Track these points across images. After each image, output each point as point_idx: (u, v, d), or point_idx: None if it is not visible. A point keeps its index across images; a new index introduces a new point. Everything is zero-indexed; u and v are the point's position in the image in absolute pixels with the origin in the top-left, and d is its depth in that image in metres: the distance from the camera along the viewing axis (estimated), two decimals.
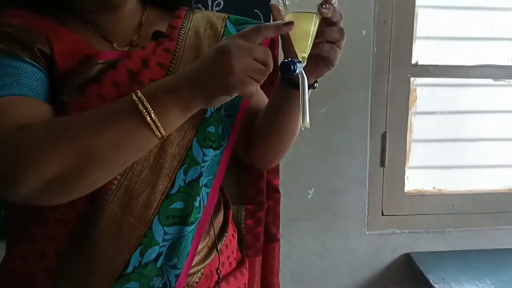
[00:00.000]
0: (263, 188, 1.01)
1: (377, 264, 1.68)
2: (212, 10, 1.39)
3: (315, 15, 0.71)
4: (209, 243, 0.87)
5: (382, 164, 1.62)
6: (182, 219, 0.77)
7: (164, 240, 0.76)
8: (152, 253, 0.75)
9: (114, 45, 0.81)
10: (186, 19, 0.87)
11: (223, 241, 0.90)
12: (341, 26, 0.74)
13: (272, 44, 0.94)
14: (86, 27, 0.80)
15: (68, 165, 0.62)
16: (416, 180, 1.69)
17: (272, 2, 0.74)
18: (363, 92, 1.55)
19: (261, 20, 1.36)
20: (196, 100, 0.66)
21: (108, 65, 0.75)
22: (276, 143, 0.89)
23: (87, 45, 0.78)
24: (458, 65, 1.62)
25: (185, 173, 0.78)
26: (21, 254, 0.75)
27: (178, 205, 0.77)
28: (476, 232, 1.70)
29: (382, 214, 1.66)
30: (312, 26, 0.71)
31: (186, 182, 0.78)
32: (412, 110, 1.63)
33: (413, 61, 1.60)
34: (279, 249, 1.08)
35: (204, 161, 0.80)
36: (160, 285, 0.76)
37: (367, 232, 1.65)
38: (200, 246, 0.83)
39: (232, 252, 0.93)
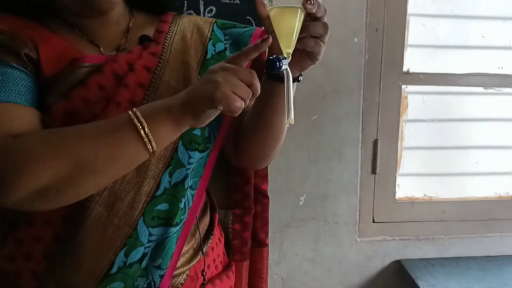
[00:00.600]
0: (250, 193, 1.02)
1: (368, 271, 1.69)
2: (204, 16, 1.41)
3: (299, 10, 0.72)
4: (195, 245, 0.88)
5: (374, 171, 1.64)
6: (167, 221, 0.78)
7: (149, 241, 0.77)
8: (137, 253, 0.76)
9: (101, 49, 0.82)
10: (173, 23, 0.88)
11: (209, 243, 0.91)
12: (325, 21, 0.75)
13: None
14: (73, 32, 0.81)
15: (61, 174, 0.64)
16: (407, 188, 1.70)
17: None
18: (355, 99, 1.57)
19: (252, 26, 1.39)
20: (186, 116, 0.68)
21: (94, 69, 0.77)
22: (265, 140, 0.89)
23: (74, 49, 0.79)
24: (449, 73, 1.64)
25: (171, 175, 0.79)
26: (8, 254, 0.76)
27: (163, 206, 0.78)
28: (466, 239, 1.71)
29: (373, 221, 1.67)
30: (297, 21, 0.73)
31: (171, 184, 0.79)
32: (403, 117, 1.65)
33: (405, 69, 1.62)
34: (268, 254, 1.08)
35: (189, 163, 0.81)
36: (145, 286, 0.77)
37: (358, 239, 1.67)
38: (185, 248, 0.84)
39: (218, 255, 0.94)
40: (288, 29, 0.73)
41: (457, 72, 1.65)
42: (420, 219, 1.69)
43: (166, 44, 0.84)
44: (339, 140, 1.59)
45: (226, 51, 0.91)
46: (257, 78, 0.68)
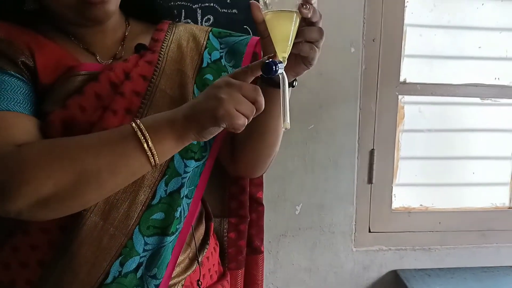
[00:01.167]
0: (246, 201, 1.03)
1: (364, 281, 1.69)
2: (202, 25, 1.43)
3: (295, 14, 0.72)
4: (190, 255, 0.88)
5: (370, 180, 1.65)
6: (163, 230, 0.78)
7: (144, 250, 0.77)
8: (132, 263, 0.76)
9: (97, 57, 0.83)
10: (168, 32, 0.89)
11: (204, 253, 0.91)
12: (321, 26, 0.75)
13: (255, 56, 0.95)
14: (69, 40, 0.82)
15: (63, 185, 0.65)
16: (403, 197, 1.71)
17: (252, 0, 0.75)
18: (352, 109, 1.59)
19: (250, 35, 1.41)
20: (189, 131, 0.69)
21: (90, 77, 0.77)
22: (261, 146, 0.90)
23: (70, 56, 0.79)
24: (445, 83, 1.66)
25: (166, 184, 0.79)
26: (4, 262, 0.76)
27: (159, 215, 0.78)
28: (463, 249, 1.72)
29: (369, 231, 1.68)
30: (293, 26, 0.73)
31: (167, 193, 0.79)
32: (400, 127, 1.67)
33: (401, 79, 1.64)
34: (263, 261, 1.09)
35: (185, 172, 0.81)
36: None
37: (354, 249, 1.68)
38: (181, 258, 0.84)
39: (214, 265, 0.94)
40: (284, 34, 0.73)
41: (454, 83, 1.67)
42: (416, 229, 1.70)
43: (162, 52, 0.85)
44: (335, 149, 1.60)
45: (221, 60, 0.91)
46: (261, 94, 0.68)
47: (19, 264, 0.76)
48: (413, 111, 1.68)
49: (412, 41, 1.64)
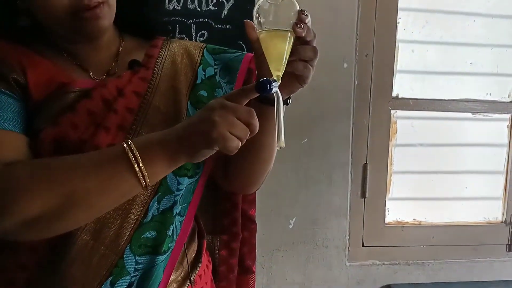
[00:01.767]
0: (238, 218, 1.02)
1: None
2: (196, 40, 1.45)
3: (289, 33, 0.72)
4: (182, 274, 0.87)
5: (363, 195, 1.67)
6: (155, 248, 0.78)
7: (135, 269, 0.76)
8: (123, 283, 0.75)
9: (91, 73, 0.83)
10: (163, 48, 0.89)
11: (197, 271, 0.90)
12: (315, 45, 0.75)
13: (250, 72, 0.95)
14: (62, 56, 0.82)
15: (52, 205, 0.65)
16: (396, 212, 1.73)
17: (246, 20, 0.76)
18: (345, 124, 1.61)
19: (244, 51, 1.43)
20: (181, 153, 0.69)
21: (82, 94, 0.77)
22: (255, 163, 0.89)
23: (63, 73, 0.79)
24: (437, 98, 1.68)
25: (159, 202, 0.79)
26: None
27: (150, 234, 0.78)
28: (456, 264, 1.73)
29: (363, 245, 1.69)
30: (287, 45, 0.73)
31: (160, 210, 0.79)
32: (392, 142, 1.69)
33: (394, 94, 1.66)
34: (254, 282, 1.08)
35: (178, 190, 0.81)
36: None
37: (348, 263, 1.69)
38: (172, 277, 0.83)
39: (206, 283, 0.93)
40: (278, 52, 0.73)
41: (446, 98, 1.69)
42: (410, 243, 1.72)
43: (156, 69, 0.85)
44: (329, 164, 1.62)
45: (216, 76, 0.91)
46: (256, 117, 0.68)
47: (6, 283, 0.75)
48: (405, 126, 1.70)
49: (405, 57, 1.66)
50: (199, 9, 1.45)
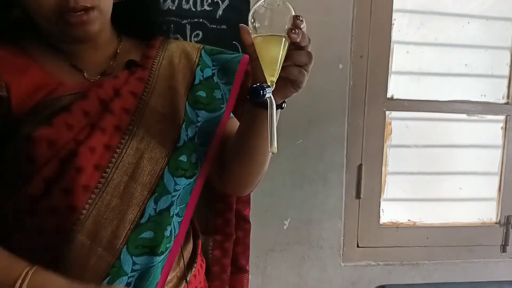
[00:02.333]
0: (232, 219, 1.04)
1: None
2: (190, 41, 1.47)
3: (284, 38, 0.73)
4: (179, 274, 0.89)
5: (358, 195, 1.70)
6: (152, 249, 0.79)
7: (133, 270, 0.78)
8: (120, 283, 0.77)
9: (85, 74, 0.83)
10: (160, 48, 0.90)
11: (193, 271, 0.92)
12: (309, 50, 0.76)
13: (247, 74, 0.96)
14: (55, 56, 0.82)
15: None
16: (391, 212, 1.75)
17: (241, 24, 0.77)
18: (340, 125, 1.63)
19: (239, 51, 1.45)
20: None
21: (78, 95, 0.78)
22: (249, 166, 0.90)
23: (52, 78, 0.79)
24: (432, 100, 1.71)
25: (156, 202, 0.80)
26: None
27: (147, 234, 0.79)
28: (451, 265, 1.76)
29: (358, 246, 1.72)
30: (281, 50, 0.74)
31: (157, 211, 0.80)
32: (387, 143, 1.72)
33: (389, 95, 1.69)
34: (248, 280, 1.10)
35: (175, 190, 0.82)
36: None
37: (342, 264, 1.71)
38: (169, 277, 0.85)
39: (200, 282, 0.95)
40: (272, 58, 0.74)
41: (441, 99, 1.72)
42: (404, 244, 1.74)
43: (153, 69, 0.86)
44: (323, 164, 1.64)
45: (214, 77, 0.93)
46: None
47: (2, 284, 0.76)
48: (400, 127, 1.72)
49: (400, 58, 1.69)
50: (194, 9, 1.47)
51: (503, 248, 1.80)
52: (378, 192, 1.71)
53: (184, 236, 0.89)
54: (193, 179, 0.87)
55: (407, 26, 1.69)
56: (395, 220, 1.76)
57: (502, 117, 1.77)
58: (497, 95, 1.77)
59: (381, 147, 1.70)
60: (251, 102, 0.83)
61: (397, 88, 1.70)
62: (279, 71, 0.75)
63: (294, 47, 0.75)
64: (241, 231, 1.08)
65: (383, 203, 1.73)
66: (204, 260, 1.01)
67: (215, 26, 1.49)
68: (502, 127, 1.78)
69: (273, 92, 0.74)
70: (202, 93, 0.90)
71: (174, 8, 1.46)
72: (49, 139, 0.74)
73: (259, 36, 0.75)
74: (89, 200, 0.75)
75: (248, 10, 0.76)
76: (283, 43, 0.74)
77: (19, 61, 0.79)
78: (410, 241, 1.75)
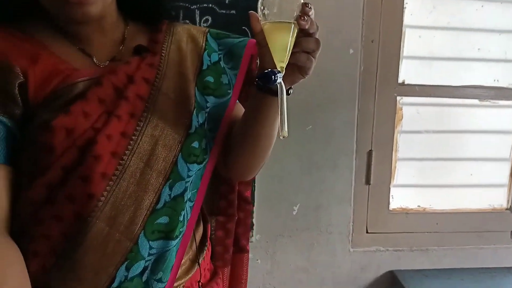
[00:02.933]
0: (234, 200, 1.08)
1: (361, 281, 1.76)
2: (200, 26, 1.48)
3: (293, 25, 0.76)
4: (191, 257, 0.93)
5: (368, 181, 1.72)
6: (167, 234, 0.82)
7: (149, 254, 0.81)
8: (137, 267, 0.80)
9: (94, 59, 0.84)
10: (167, 32, 0.91)
11: (204, 254, 0.96)
12: (317, 37, 0.78)
13: (251, 58, 0.98)
14: (64, 41, 0.82)
15: None
16: (401, 198, 1.78)
17: (251, 11, 0.79)
18: (350, 110, 1.65)
19: (248, 36, 1.46)
20: None
21: (92, 82, 0.79)
22: (254, 151, 0.93)
23: (65, 64, 0.80)
24: (444, 85, 1.72)
25: (171, 188, 0.83)
26: None
27: (163, 220, 0.82)
28: (460, 251, 1.80)
29: (367, 232, 1.75)
30: (290, 36, 0.76)
31: (171, 197, 0.83)
32: (398, 128, 1.74)
33: (400, 80, 1.70)
34: (248, 260, 1.14)
35: (188, 176, 0.85)
36: None
37: (351, 249, 1.75)
38: (182, 260, 0.88)
39: (207, 264, 1.00)
40: (282, 44, 0.77)
41: (453, 84, 1.73)
42: (414, 230, 1.77)
43: (163, 54, 0.87)
44: (333, 150, 1.67)
45: (220, 62, 0.94)
46: None
47: (33, 253, 0.78)
48: (411, 112, 1.74)
49: (411, 42, 1.70)
50: None
51: None
52: (388, 178, 1.74)
53: (196, 221, 0.92)
54: (203, 164, 0.89)
55: (419, 10, 1.69)
56: (405, 206, 1.79)
57: None
58: (510, 80, 1.78)
59: (392, 133, 1.72)
60: (258, 88, 0.85)
61: (408, 73, 1.71)
62: (288, 57, 0.78)
63: (303, 34, 0.77)
64: (242, 212, 1.11)
65: (393, 189, 1.76)
66: (210, 243, 1.05)
67: (224, 11, 1.51)
68: None
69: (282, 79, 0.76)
70: (210, 79, 0.91)
71: None
72: (67, 127, 0.76)
73: (268, 22, 0.78)
74: (107, 187, 0.78)
75: None
76: (292, 30, 0.77)
77: (30, 48, 0.80)
78: (420, 227, 1.78)
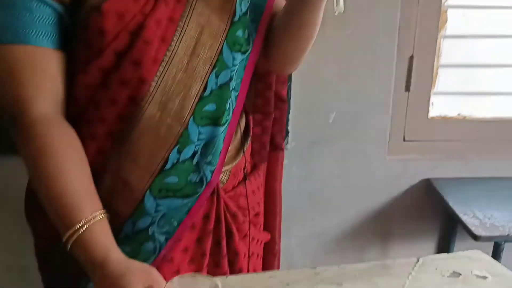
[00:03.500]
0: (271, 98, 1.12)
1: (396, 189, 1.80)
2: None
3: None
4: (236, 145, 0.99)
5: (407, 88, 1.71)
6: (215, 120, 0.87)
7: (198, 139, 0.86)
8: (188, 151, 0.85)
9: None
10: None
11: (248, 143, 1.02)
12: None
13: None
14: None
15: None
16: (441, 106, 1.77)
17: None
18: (392, 13, 1.60)
19: None
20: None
21: None
22: (296, 41, 0.95)
23: None
24: None
25: (217, 77, 0.86)
26: None
27: (210, 107, 0.86)
28: (499, 160, 1.80)
29: (404, 140, 1.76)
30: None
31: (218, 85, 0.87)
32: (441, 33, 1.69)
33: None
34: (283, 158, 1.21)
35: (233, 65, 0.88)
36: (197, 180, 0.87)
37: (388, 157, 1.77)
38: (228, 148, 0.93)
39: (248, 157, 1.06)
40: None
41: None
42: (453, 138, 1.77)
43: None
44: (373, 56, 1.64)
45: (246, 14, 0.92)
46: None
47: (90, 137, 0.84)
48: (456, 16, 1.68)
49: None
50: None
51: None
52: (429, 84, 1.72)
53: (240, 111, 0.95)
54: (246, 54, 0.91)
55: None
56: (445, 114, 1.78)
57: None
58: None
59: (435, 38, 1.68)
60: None
61: None
62: None
63: None
64: (278, 111, 1.15)
65: (433, 96, 1.74)
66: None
67: None
68: None
69: None
70: (240, 33, 0.91)
71: None
72: (118, 11, 0.77)
73: None
74: (157, 73, 0.81)
75: None
76: None
77: None
78: (459, 134, 1.78)
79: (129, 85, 0.80)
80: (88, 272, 0.74)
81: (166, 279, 0.71)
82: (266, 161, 1.16)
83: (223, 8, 0.87)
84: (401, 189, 1.80)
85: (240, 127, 0.98)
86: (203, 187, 0.88)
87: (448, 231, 1.82)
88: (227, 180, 0.97)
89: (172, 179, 0.85)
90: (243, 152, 1.00)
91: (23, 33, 0.75)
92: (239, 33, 0.89)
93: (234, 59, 0.88)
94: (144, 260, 0.83)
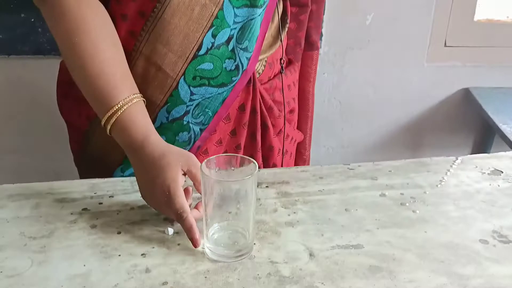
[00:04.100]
0: None
1: (432, 99, 1.76)
2: None
3: None
4: (273, 32, 0.94)
5: None
6: (252, 2, 0.82)
7: (234, 22, 0.82)
8: (223, 35, 0.82)
9: None
10: None
11: (285, 30, 0.97)
12: None
13: None
14: None
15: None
16: (488, 8, 1.67)
17: None
18: None
19: None
20: (134, 166, 0.72)
21: None
22: None
23: None
24: None
25: None
26: None
27: None
28: None
29: (445, 45, 1.68)
30: None
31: None
32: None
33: None
34: (317, 58, 1.15)
35: None
36: (233, 68, 0.84)
37: (426, 64, 1.70)
38: (266, 34, 0.89)
39: (283, 53, 1.01)
40: None
41: None
42: (498, 44, 1.69)
43: None
44: None
45: None
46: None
47: (121, 17, 0.81)
48: None
49: None
50: None
51: None
52: None
53: None
54: None
55: None
56: (492, 17, 1.68)
57: None
58: None
59: None
60: None
61: None
62: None
63: None
64: (315, 4, 1.08)
65: None
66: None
67: None
68: None
69: None
70: None
71: None
72: None
73: None
74: None
75: None
76: None
77: None
78: (505, 41, 1.69)
79: None
80: (128, 154, 0.73)
81: None
82: (300, 60, 1.11)
83: None
84: (437, 99, 1.75)
85: (278, 11, 0.93)
86: (239, 75, 0.85)
87: (483, 143, 1.78)
88: (263, 71, 0.93)
89: (207, 66, 0.82)
90: (281, 40, 0.95)
91: None
92: None
93: None
94: None
